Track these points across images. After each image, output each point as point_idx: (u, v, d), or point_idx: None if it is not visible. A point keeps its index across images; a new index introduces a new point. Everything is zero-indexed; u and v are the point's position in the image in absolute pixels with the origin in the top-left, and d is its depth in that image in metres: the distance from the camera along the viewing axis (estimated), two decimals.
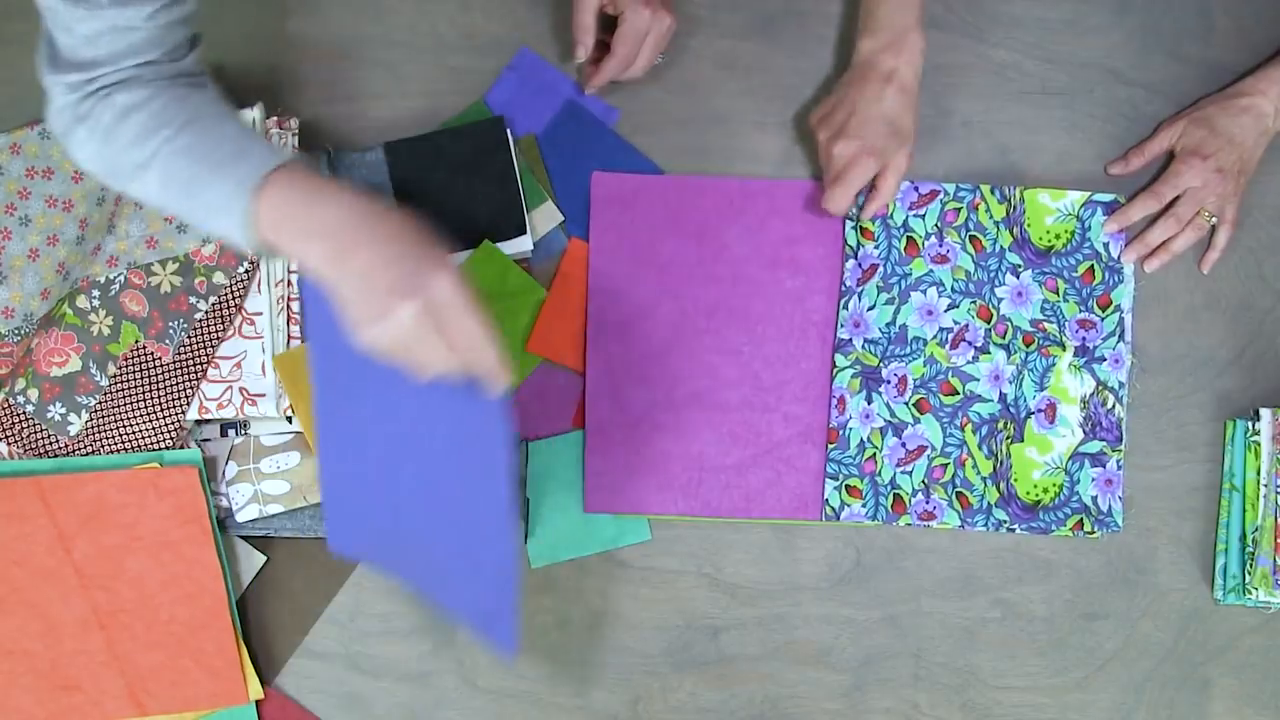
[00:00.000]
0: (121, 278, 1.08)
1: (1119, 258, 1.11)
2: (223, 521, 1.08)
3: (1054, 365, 1.10)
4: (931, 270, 1.12)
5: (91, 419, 1.07)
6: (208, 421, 1.09)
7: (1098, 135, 1.15)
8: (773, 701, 1.10)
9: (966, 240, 1.12)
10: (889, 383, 1.11)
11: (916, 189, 1.13)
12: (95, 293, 1.08)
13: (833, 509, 1.10)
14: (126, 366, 1.08)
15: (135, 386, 1.07)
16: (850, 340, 1.11)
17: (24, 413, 1.07)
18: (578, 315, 1.12)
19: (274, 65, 1.09)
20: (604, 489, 1.10)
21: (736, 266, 1.12)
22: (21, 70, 1.15)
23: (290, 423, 1.09)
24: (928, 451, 1.10)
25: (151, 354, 1.08)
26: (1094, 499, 1.09)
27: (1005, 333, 1.11)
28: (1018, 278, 1.12)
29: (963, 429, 1.11)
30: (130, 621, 1.06)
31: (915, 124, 1.07)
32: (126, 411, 1.07)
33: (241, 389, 1.07)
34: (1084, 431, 1.10)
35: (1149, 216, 1.12)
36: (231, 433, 1.09)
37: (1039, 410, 1.10)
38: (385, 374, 0.86)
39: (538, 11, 1.16)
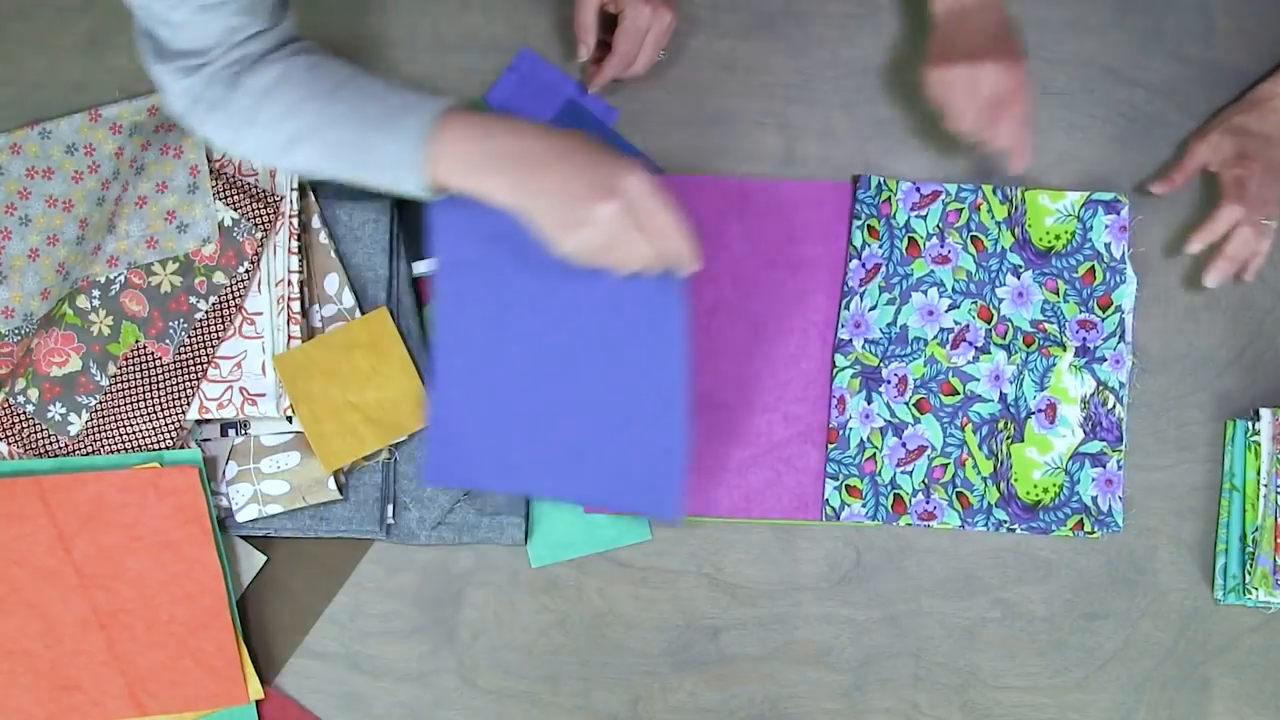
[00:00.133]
0: (121, 278, 1.08)
1: (1205, 269, 1.09)
2: (223, 521, 1.08)
3: (1054, 365, 1.10)
4: (933, 270, 1.12)
5: (91, 419, 1.07)
6: (208, 421, 1.09)
7: (1098, 135, 1.15)
8: (773, 701, 1.10)
9: (968, 241, 1.12)
10: (889, 383, 1.11)
11: (918, 189, 1.13)
12: (95, 293, 1.08)
13: (833, 509, 1.10)
14: (126, 366, 1.08)
15: (135, 386, 1.07)
16: (850, 340, 1.11)
17: (24, 413, 1.07)
18: None
19: None
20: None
21: (736, 266, 1.12)
22: (21, 70, 1.16)
23: (290, 423, 1.09)
24: (928, 451, 1.10)
25: (151, 354, 1.08)
26: (1094, 499, 1.09)
27: (1006, 333, 1.12)
28: (1018, 278, 1.12)
29: (963, 429, 1.11)
30: (130, 621, 1.06)
31: None
32: (127, 411, 1.07)
33: (241, 389, 1.07)
34: (1084, 432, 1.10)
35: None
36: (231, 433, 1.09)
37: (1039, 410, 1.10)
38: (541, 286, 0.97)
39: (538, 11, 1.16)
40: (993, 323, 1.12)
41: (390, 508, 1.09)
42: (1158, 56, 1.16)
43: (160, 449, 1.07)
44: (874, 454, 1.10)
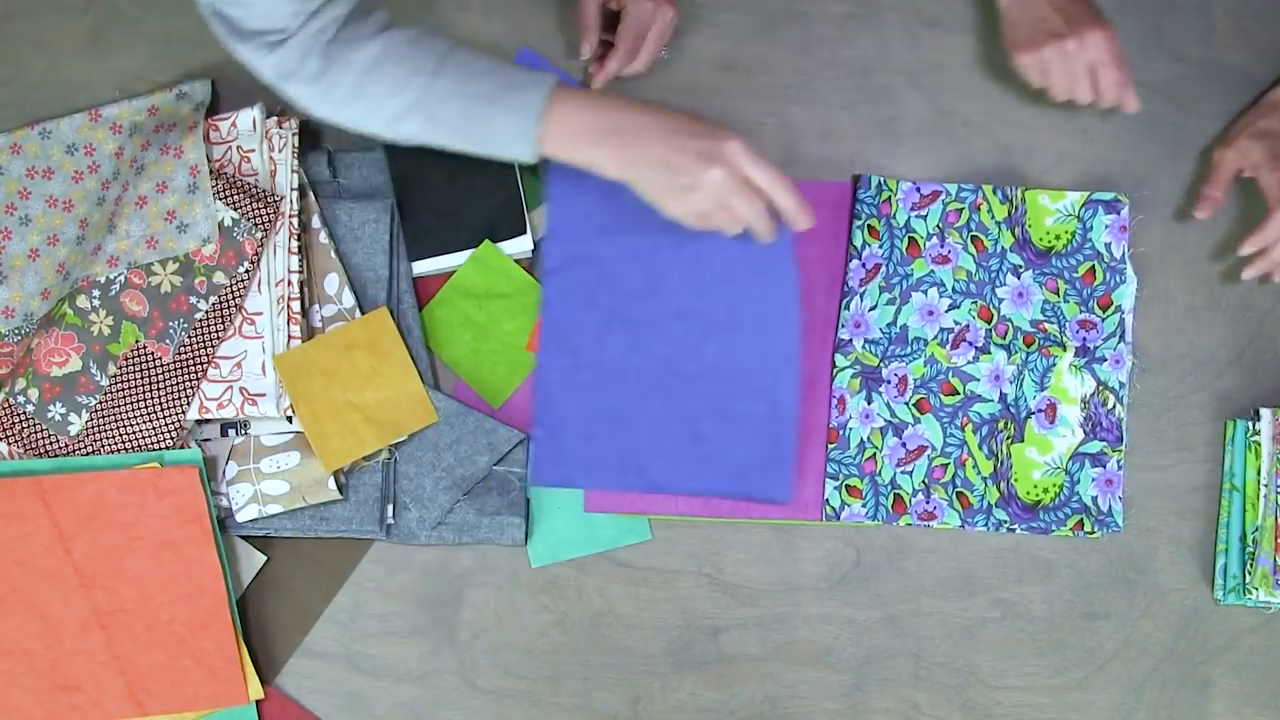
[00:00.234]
0: (122, 278, 1.08)
1: (1247, 264, 1.08)
2: (223, 521, 1.08)
3: (1054, 365, 1.10)
4: (933, 271, 1.12)
5: (92, 419, 1.07)
6: (208, 421, 1.09)
7: (1098, 135, 1.15)
8: (773, 701, 1.10)
9: (968, 241, 1.12)
10: (889, 383, 1.11)
11: (919, 189, 1.13)
12: (95, 293, 1.08)
13: (833, 509, 1.10)
14: (127, 366, 1.08)
15: (135, 386, 1.07)
16: (850, 340, 1.11)
17: (24, 413, 1.07)
18: None
19: None
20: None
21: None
22: (21, 70, 1.16)
23: (290, 423, 1.09)
24: (928, 451, 1.10)
25: (152, 354, 1.08)
26: (1094, 499, 1.09)
27: (1006, 333, 1.11)
28: (1019, 278, 1.12)
29: (963, 429, 1.11)
30: (130, 621, 1.06)
31: None
32: (127, 411, 1.07)
33: (242, 389, 1.07)
34: (1084, 431, 1.10)
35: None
36: (231, 433, 1.09)
37: (1039, 410, 1.10)
38: (651, 271, 1.09)
39: (538, 11, 1.16)
40: (993, 323, 1.12)
41: (390, 508, 1.09)
42: (1158, 56, 1.16)
43: (160, 449, 1.07)
44: (874, 454, 1.10)
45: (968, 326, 1.12)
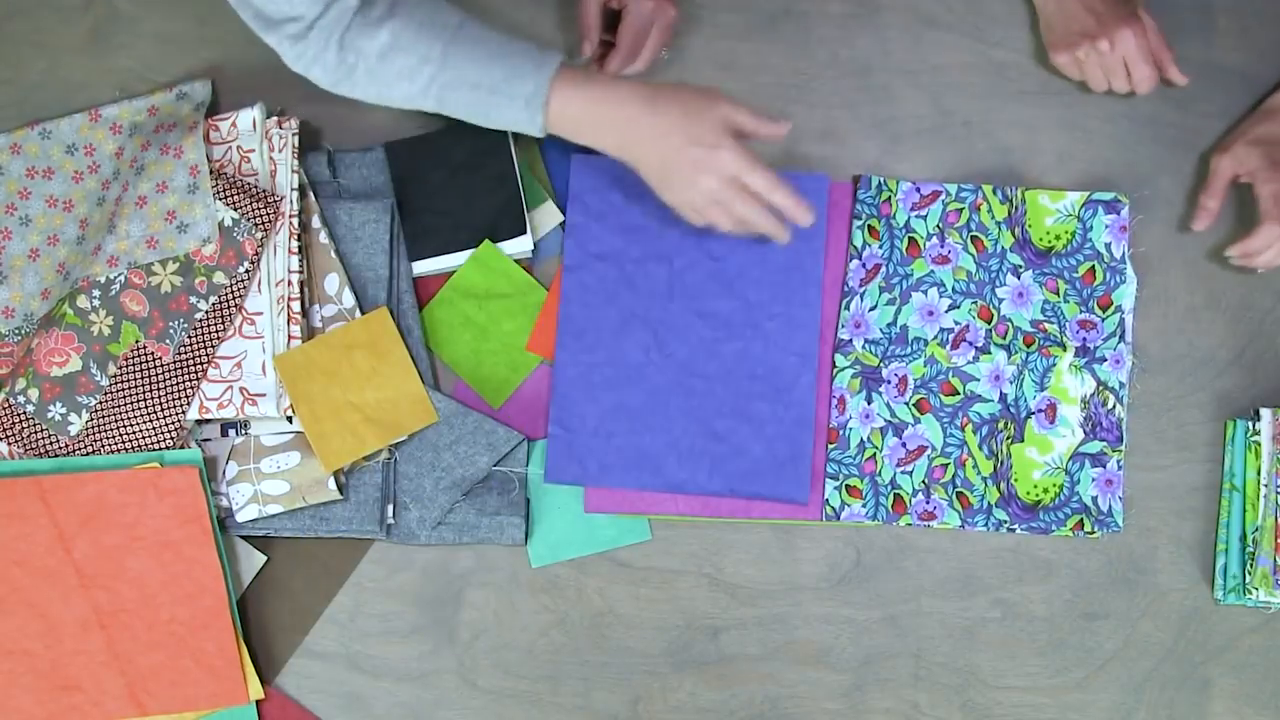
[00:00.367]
0: (122, 278, 1.08)
1: (1250, 261, 1.09)
2: (223, 521, 1.08)
3: (1054, 365, 1.10)
4: (933, 271, 1.12)
5: (92, 419, 1.07)
6: (208, 421, 1.09)
7: (1098, 135, 1.15)
8: (773, 701, 1.10)
9: (968, 241, 1.12)
10: (889, 383, 1.11)
11: (919, 189, 1.13)
12: (95, 293, 1.08)
13: (833, 509, 1.10)
14: (127, 366, 1.08)
15: (135, 386, 1.07)
16: (850, 340, 1.11)
17: (24, 413, 1.07)
18: None
19: (274, 65, 1.09)
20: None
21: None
22: (21, 70, 1.16)
23: (290, 423, 1.09)
24: (928, 451, 1.10)
25: (152, 354, 1.08)
26: (1094, 499, 1.09)
27: (1006, 333, 1.11)
28: (1019, 278, 1.12)
29: (963, 429, 1.11)
30: (130, 621, 1.06)
31: None
32: (127, 411, 1.07)
33: (242, 389, 1.07)
34: (1084, 431, 1.10)
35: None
36: (232, 433, 1.09)
37: (1039, 410, 1.10)
38: (671, 268, 1.10)
39: (538, 11, 1.16)
40: (993, 323, 1.12)
41: (390, 508, 1.09)
42: None
43: (160, 449, 1.07)
44: (874, 454, 1.10)
45: (968, 326, 1.12)
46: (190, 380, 1.07)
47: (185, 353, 1.08)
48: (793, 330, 1.10)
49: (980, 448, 1.10)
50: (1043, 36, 1.14)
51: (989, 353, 1.11)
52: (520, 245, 1.12)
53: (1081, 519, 1.09)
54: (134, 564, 1.06)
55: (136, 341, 1.08)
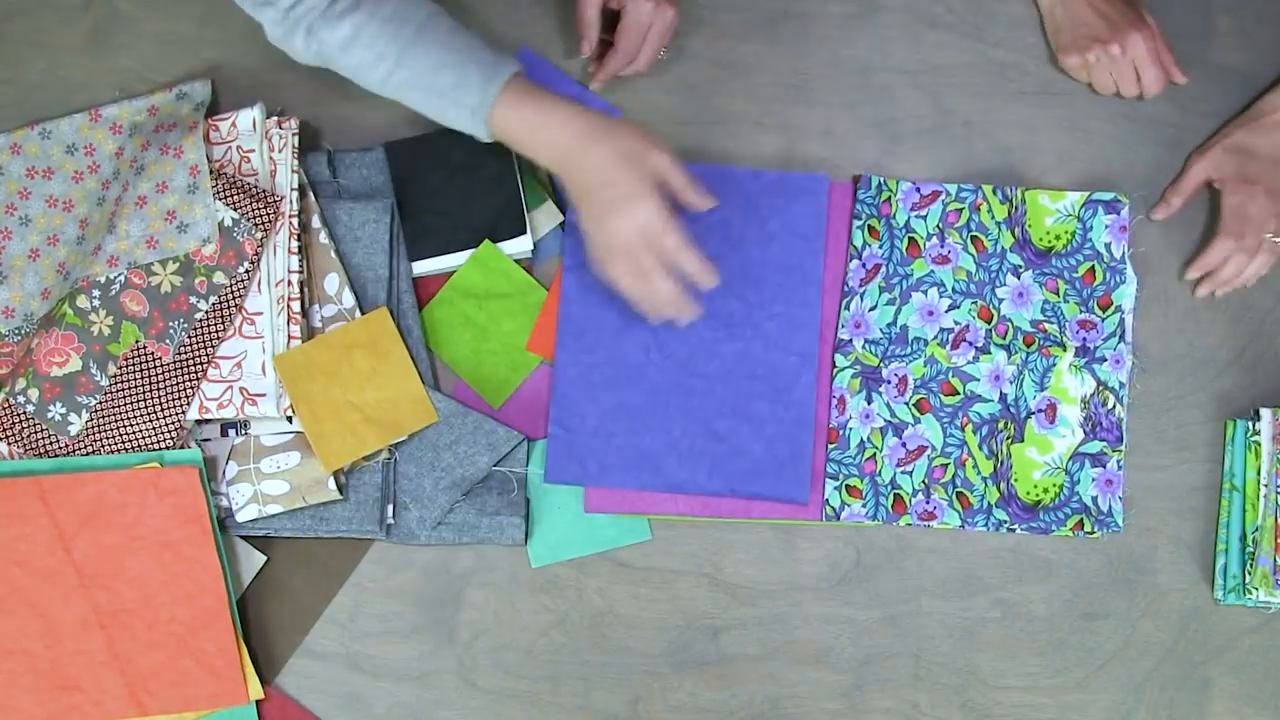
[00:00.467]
0: (122, 278, 1.08)
1: (1198, 285, 1.12)
2: (223, 521, 1.08)
3: (1054, 365, 1.10)
4: (933, 271, 1.12)
5: (92, 419, 1.07)
6: (208, 421, 1.09)
7: (1098, 135, 1.15)
8: (773, 701, 1.10)
9: (968, 241, 1.12)
10: (889, 383, 1.11)
11: (919, 190, 1.13)
12: (95, 293, 1.08)
13: (833, 509, 1.10)
14: (127, 366, 1.08)
15: (135, 386, 1.07)
16: (850, 340, 1.11)
17: (24, 413, 1.07)
18: None
19: (274, 65, 1.09)
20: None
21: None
22: (21, 70, 1.16)
23: (290, 423, 1.09)
24: (928, 451, 1.10)
25: (152, 354, 1.08)
26: (1094, 499, 1.09)
27: (1006, 333, 1.11)
28: (1019, 278, 1.12)
29: (963, 429, 1.11)
30: (130, 621, 1.06)
31: None
32: (127, 411, 1.07)
33: (242, 389, 1.07)
34: (1084, 432, 1.10)
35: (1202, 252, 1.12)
36: (232, 433, 1.09)
37: (1039, 410, 1.10)
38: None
39: (538, 11, 1.16)
40: (993, 323, 1.12)
41: (390, 508, 1.09)
42: None
43: (160, 449, 1.07)
44: (874, 454, 1.10)
45: (968, 326, 1.12)
46: (190, 380, 1.07)
47: (185, 353, 1.08)
48: (793, 330, 1.10)
49: (980, 448, 1.10)
50: (1050, 39, 1.14)
51: (989, 353, 1.11)
52: (520, 245, 1.12)
53: (1081, 519, 1.09)
54: (134, 564, 1.06)
55: (136, 341, 1.08)
